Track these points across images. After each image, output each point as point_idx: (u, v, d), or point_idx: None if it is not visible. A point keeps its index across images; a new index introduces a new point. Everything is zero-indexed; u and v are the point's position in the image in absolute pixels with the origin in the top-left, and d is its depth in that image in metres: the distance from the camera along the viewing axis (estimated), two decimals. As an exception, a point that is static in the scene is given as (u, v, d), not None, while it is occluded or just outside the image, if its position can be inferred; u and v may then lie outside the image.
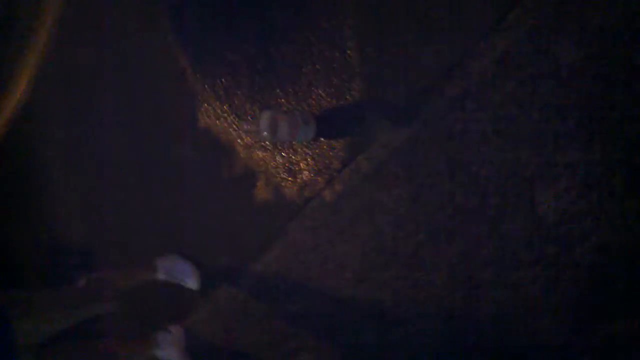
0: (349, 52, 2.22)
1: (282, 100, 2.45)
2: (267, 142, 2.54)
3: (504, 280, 1.97)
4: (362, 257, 2.34)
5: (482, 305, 2.06)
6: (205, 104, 2.72)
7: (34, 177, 3.86)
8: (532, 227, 1.87)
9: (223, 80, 2.64)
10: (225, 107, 2.66)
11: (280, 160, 2.52)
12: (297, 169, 2.48)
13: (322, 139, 2.37)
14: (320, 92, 2.33)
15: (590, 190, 1.75)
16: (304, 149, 2.44)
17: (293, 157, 2.48)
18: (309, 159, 2.43)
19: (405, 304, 2.27)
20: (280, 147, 2.51)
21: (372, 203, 2.27)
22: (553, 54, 1.73)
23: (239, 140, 2.66)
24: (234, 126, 2.66)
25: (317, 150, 2.40)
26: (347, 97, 2.27)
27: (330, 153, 2.36)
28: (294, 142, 2.45)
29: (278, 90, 2.46)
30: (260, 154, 2.58)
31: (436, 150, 2.05)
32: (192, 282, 2.89)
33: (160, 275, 2.89)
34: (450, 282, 2.12)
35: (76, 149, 3.61)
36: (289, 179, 2.51)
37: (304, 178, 2.46)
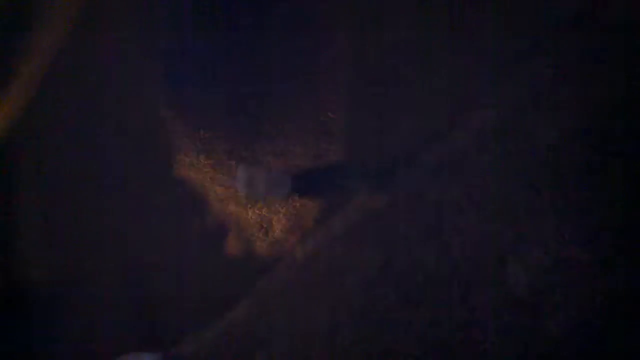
0: (330, 115, 2.26)
1: (260, 156, 2.47)
2: (241, 197, 2.54)
3: (473, 347, 1.98)
4: (331, 318, 2.33)
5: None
6: (184, 156, 2.72)
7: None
8: (502, 297, 1.90)
9: (203, 132, 2.65)
10: (202, 159, 2.67)
11: (254, 216, 2.52)
12: (269, 225, 2.48)
13: (297, 198, 2.39)
14: (298, 151, 2.35)
15: (561, 265, 1.79)
16: (278, 206, 2.44)
17: (267, 213, 2.48)
18: (282, 217, 2.44)
19: (374, 367, 2.26)
20: (254, 203, 2.51)
21: (343, 264, 2.27)
22: (531, 132, 1.79)
23: (213, 193, 2.65)
24: (209, 179, 2.66)
25: (291, 208, 2.41)
26: (326, 158, 2.29)
27: (304, 212, 2.37)
28: (268, 199, 2.46)
29: (257, 147, 2.47)
30: (234, 208, 2.58)
31: (410, 216, 2.07)
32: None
33: None
34: (420, 346, 2.12)
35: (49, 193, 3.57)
36: (261, 235, 2.50)
37: (276, 235, 2.46)
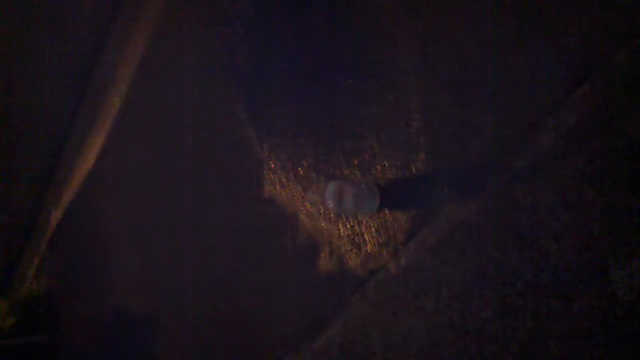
0: (413, 124, 2.23)
1: (347, 171, 2.47)
2: (331, 213, 2.55)
3: (579, 358, 1.89)
4: (428, 332, 2.28)
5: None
6: (271, 174, 2.76)
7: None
8: (606, 304, 1.80)
9: (289, 150, 2.68)
10: (290, 176, 2.69)
11: (345, 232, 2.51)
12: (361, 240, 2.46)
13: (386, 211, 2.36)
14: (385, 163, 2.34)
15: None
16: (368, 221, 2.43)
17: (357, 228, 2.47)
18: (373, 231, 2.42)
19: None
20: (344, 218, 2.51)
21: (437, 277, 2.23)
22: (623, 130, 1.70)
23: (303, 210, 2.67)
24: (299, 196, 2.68)
25: (381, 222, 2.39)
26: (412, 168, 2.26)
27: (395, 225, 2.34)
28: (358, 214, 2.45)
29: (343, 161, 2.47)
30: (324, 224, 2.59)
31: (504, 223, 2.01)
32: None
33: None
34: (522, 358, 2.04)
35: (142, 214, 3.70)
36: (353, 250, 2.49)
37: (368, 250, 2.44)
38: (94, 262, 4.62)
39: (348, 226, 2.50)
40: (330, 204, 2.28)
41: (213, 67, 3.06)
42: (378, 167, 2.36)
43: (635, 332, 1.74)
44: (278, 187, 2.74)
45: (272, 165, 2.74)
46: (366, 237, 2.44)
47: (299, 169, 2.65)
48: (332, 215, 2.55)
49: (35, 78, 4.07)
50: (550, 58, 1.90)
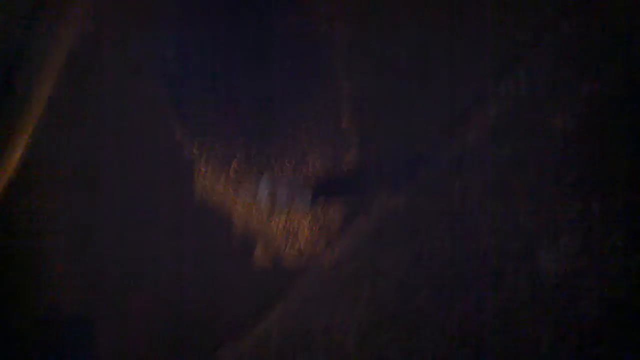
0: (345, 119, 2.27)
1: (279, 167, 2.49)
2: (264, 210, 2.56)
3: (510, 340, 1.98)
4: (366, 319, 2.34)
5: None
6: (202, 175, 2.75)
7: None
8: (535, 286, 1.89)
9: (219, 149, 2.68)
10: (222, 177, 2.69)
11: (279, 227, 2.54)
12: (295, 234, 2.49)
13: (319, 204, 2.40)
14: (317, 160, 2.37)
15: (591, 248, 1.78)
16: (302, 214, 2.46)
17: (291, 223, 2.50)
18: (306, 224, 2.45)
19: (413, 362, 2.26)
20: (278, 214, 2.53)
21: (371, 267, 2.28)
22: (546, 121, 1.79)
23: (235, 207, 2.68)
24: (231, 194, 2.68)
25: (314, 216, 2.42)
26: (344, 162, 2.30)
27: (329, 217, 2.38)
28: (291, 209, 2.48)
29: (274, 160, 2.49)
30: (258, 221, 2.60)
31: (434, 214, 2.08)
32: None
33: None
34: (455, 342, 2.12)
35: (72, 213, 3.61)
36: (288, 244, 2.52)
37: (303, 243, 2.47)
38: (23, 263, 4.47)
39: (282, 221, 2.52)
40: (263, 200, 2.30)
41: (140, 67, 3.01)
42: (310, 162, 2.40)
43: (561, 309, 1.84)
44: (209, 186, 2.73)
45: (203, 167, 2.73)
46: (300, 230, 2.48)
47: (230, 168, 2.65)
48: (265, 212, 2.56)
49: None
50: (474, 51, 1.97)
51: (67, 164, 3.58)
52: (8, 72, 3.84)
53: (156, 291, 3.11)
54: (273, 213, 2.55)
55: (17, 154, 4.11)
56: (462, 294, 2.07)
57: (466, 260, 2.02)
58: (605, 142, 1.73)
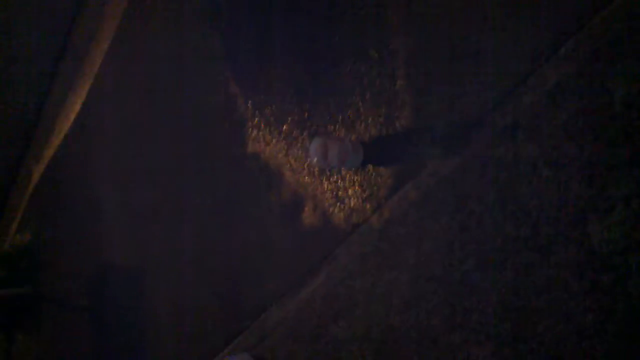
0: (398, 81, 2.25)
1: (331, 127, 2.48)
2: (315, 168, 2.57)
3: (556, 310, 1.95)
4: (410, 285, 2.33)
5: (534, 335, 2.04)
6: (255, 130, 2.77)
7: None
8: (584, 257, 1.85)
9: (273, 106, 2.69)
10: (274, 133, 2.71)
11: (329, 187, 2.54)
12: (344, 195, 2.50)
13: (370, 166, 2.39)
14: (369, 120, 2.36)
15: (645, 223, 1.73)
16: (352, 176, 2.46)
17: (341, 183, 2.50)
18: (357, 186, 2.45)
19: (456, 331, 2.25)
20: (328, 173, 2.54)
21: (420, 230, 2.27)
22: (606, 88, 1.73)
23: (287, 166, 2.69)
24: (283, 152, 2.70)
25: (365, 177, 2.42)
26: (396, 125, 2.28)
27: (379, 180, 2.38)
28: (342, 169, 2.48)
29: (327, 118, 2.49)
30: (308, 179, 2.61)
31: (486, 180, 2.04)
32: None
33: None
34: (501, 310, 2.10)
35: (125, 170, 3.69)
36: (337, 204, 2.53)
37: (352, 204, 2.47)
38: (77, 216, 4.62)
39: (332, 181, 2.53)
40: (315, 159, 2.31)
41: (195, 23, 3.03)
42: (362, 123, 2.38)
43: (610, 282, 1.80)
44: (262, 143, 2.76)
45: (257, 122, 2.75)
46: (350, 191, 2.48)
47: (284, 125, 2.67)
48: (316, 171, 2.58)
49: (15, 34, 4.01)
50: (534, 15, 1.91)
51: (121, 121, 3.65)
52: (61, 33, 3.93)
53: (203, 251, 3.17)
54: (324, 173, 2.55)
55: (70, 118, 4.23)
56: (510, 262, 2.04)
57: (515, 228, 1.99)
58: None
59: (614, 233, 1.77)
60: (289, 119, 2.64)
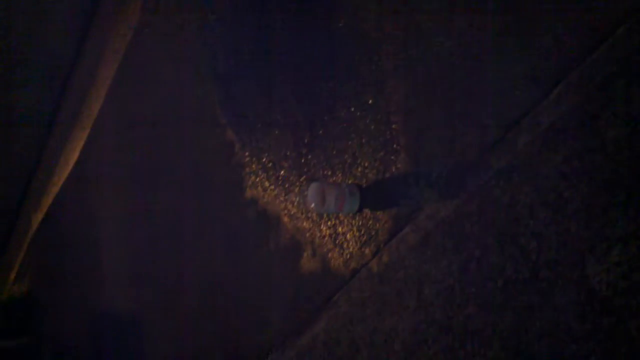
0: (394, 126, 2.26)
1: (328, 172, 2.49)
2: (313, 214, 2.57)
3: (559, 353, 1.93)
4: (411, 330, 2.32)
5: (537, 380, 2.02)
6: (252, 176, 2.78)
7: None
8: (585, 299, 1.84)
9: (269, 152, 2.70)
10: (272, 179, 2.71)
11: (327, 232, 2.54)
12: (343, 240, 2.49)
13: (368, 211, 2.39)
14: (365, 164, 2.37)
15: (644, 263, 1.72)
16: (350, 220, 2.46)
17: (339, 228, 2.50)
18: (355, 230, 2.45)
19: (458, 378, 2.23)
20: (326, 219, 2.54)
21: (419, 274, 2.26)
22: (598, 129, 1.74)
23: (285, 212, 2.69)
24: (281, 198, 2.70)
25: (363, 222, 2.42)
26: (393, 169, 2.29)
27: (377, 224, 2.38)
28: (340, 214, 2.48)
29: (324, 163, 2.50)
30: (306, 225, 2.61)
31: (484, 222, 2.04)
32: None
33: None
34: (503, 355, 2.08)
35: (124, 215, 3.69)
36: (336, 250, 2.52)
37: (350, 249, 2.47)
38: (77, 262, 4.60)
39: (330, 226, 2.53)
40: (312, 204, 2.31)
41: (193, 69, 3.07)
42: (359, 168, 2.39)
43: (611, 325, 1.78)
44: (260, 189, 2.76)
45: (254, 168, 2.76)
46: (348, 236, 2.47)
47: (281, 171, 2.68)
48: (314, 216, 2.58)
49: (15, 79, 4.05)
50: (527, 59, 1.94)
51: (119, 168, 3.67)
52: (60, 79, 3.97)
53: (202, 296, 3.15)
54: (322, 218, 2.55)
55: (69, 166, 4.25)
56: (511, 306, 2.03)
57: (515, 271, 1.98)
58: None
59: (613, 274, 1.76)
60: (286, 164, 2.65)
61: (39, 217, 5.08)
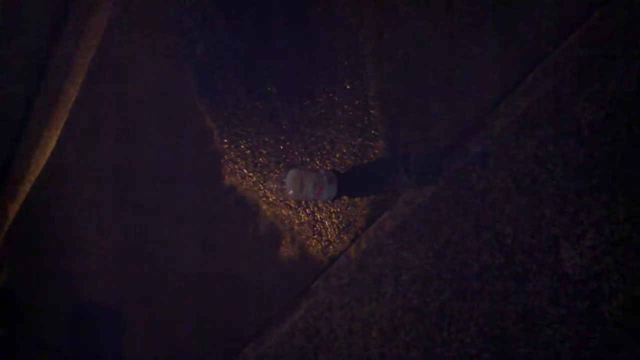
0: (372, 112, 2.26)
1: (306, 158, 2.49)
2: (291, 201, 2.57)
3: (534, 337, 1.95)
4: (389, 316, 2.32)
5: (512, 364, 2.03)
6: (231, 163, 2.77)
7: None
8: (559, 283, 1.85)
9: (248, 139, 2.69)
10: (250, 166, 2.70)
11: (305, 219, 2.54)
12: (321, 227, 2.49)
13: (346, 197, 2.39)
14: (344, 150, 2.36)
15: (616, 247, 1.74)
16: (329, 207, 2.46)
17: (317, 215, 2.49)
18: (333, 217, 2.45)
19: (435, 363, 2.24)
20: (304, 206, 2.53)
21: (397, 261, 2.26)
22: (572, 114, 1.75)
23: (263, 199, 2.69)
24: (259, 185, 2.69)
25: (341, 208, 2.42)
26: (371, 155, 2.29)
27: (355, 211, 2.38)
28: (318, 200, 2.48)
29: (302, 150, 2.49)
30: (285, 212, 2.61)
31: (460, 208, 2.05)
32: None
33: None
34: (480, 340, 2.09)
35: (102, 206, 3.66)
36: (314, 237, 2.52)
37: (329, 236, 2.47)
38: (53, 256, 4.56)
39: (308, 213, 2.53)
40: (291, 191, 2.30)
41: (170, 57, 3.04)
42: (337, 154, 2.39)
43: (585, 309, 1.80)
44: (238, 176, 2.75)
45: (232, 155, 2.75)
46: (326, 223, 2.47)
47: (259, 158, 2.67)
48: (292, 203, 2.57)
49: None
50: (503, 44, 1.94)
51: (97, 157, 3.64)
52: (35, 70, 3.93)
53: (180, 285, 3.14)
54: (300, 205, 2.55)
55: (46, 155, 4.21)
56: (487, 291, 2.04)
57: (490, 256, 1.99)
58: (632, 138, 1.69)
59: (586, 259, 1.78)
60: (264, 151, 2.64)
61: (15, 207, 5.03)
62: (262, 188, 2.68)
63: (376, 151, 2.27)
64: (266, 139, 2.64)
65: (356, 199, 2.36)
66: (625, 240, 1.71)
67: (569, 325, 1.85)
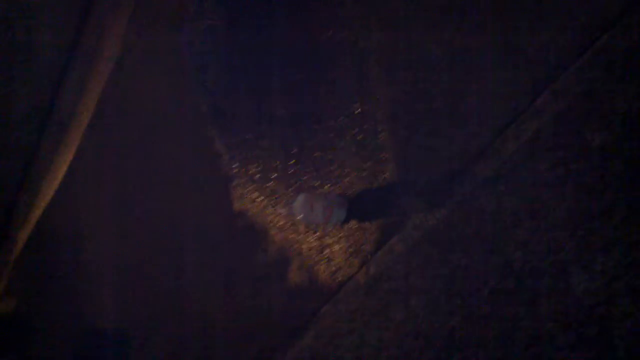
0: (381, 136, 2.27)
1: (316, 183, 2.49)
2: (300, 225, 2.56)
3: (544, 364, 1.92)
4: (398, 342, 2.30)
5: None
6: (241, 188, 2.77)
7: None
8: (569, 309, 1.84)
9: (257, 164, 2.70)
10: (260, 190, 2.71)
11: (314, 243, 2.53)
12: (330, 251, 2.48)
13: (355, 221, 2.39)
14: (353, 174, 2.36)
15: (627, 270, 1.72)
16: (337, 232, 2.45)
17: (326, 239, 2.49)
18: (342, 242, 2.44)
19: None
20: (313, 230, 2.53)
21: (406, 285, 2.25)
22: (582, 137, 1.75)
23: (273, 223, 2.68)
24: (269, 209, 2.69)
25: (350, 233, 2.41)
26: (380, 179, 2.29)
27: (364, 235, 2.37)
28: (327, 225, 2.47)
29: (312, 173, 2.49)
30: (294, 236, 2.60)
31: (470, 231, 2.04)
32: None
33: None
34: (490, 366, 2.07)
35: (113, 233, 3.67)
36: (323, 261, 2.51)
37: (338, 261, 2.46)
38: (63, 281, 4.56)
39: (317, 237, 2.52)
40: (300, 215, 2.30)
41: (180, 83, 3.07)
42: (346, 178, 2.39)
43: (595, 334, 1.78)
44: (248, 201, 2.75)
45: (242, 180, 2.75)
46: (335, 248, 2.46)
47: (269, 182, 2.67)
48: (301, 227, 2.56)
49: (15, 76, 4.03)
50: (512, 67, 1.95)
51: (114, 183, 3.65)
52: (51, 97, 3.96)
53: (185, 310, 3.12)
54: (309, 229, 2.54)
55: (58, 178, 4.23)
56: (497, 315, 2.02)
57: (501, 280, 1.98)
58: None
59: (596, 283, 1.76)
60: (274, 175, 2.65)
61: (25, 233, 5.04)
62: (271, 213, 2.68)
63: (386, 175, 2.27)
64: (275, 164, 2.64)
65: (365, 223, 2.36)
66: (636, 263, 1.70)
67: (579, 351, 1.83)
